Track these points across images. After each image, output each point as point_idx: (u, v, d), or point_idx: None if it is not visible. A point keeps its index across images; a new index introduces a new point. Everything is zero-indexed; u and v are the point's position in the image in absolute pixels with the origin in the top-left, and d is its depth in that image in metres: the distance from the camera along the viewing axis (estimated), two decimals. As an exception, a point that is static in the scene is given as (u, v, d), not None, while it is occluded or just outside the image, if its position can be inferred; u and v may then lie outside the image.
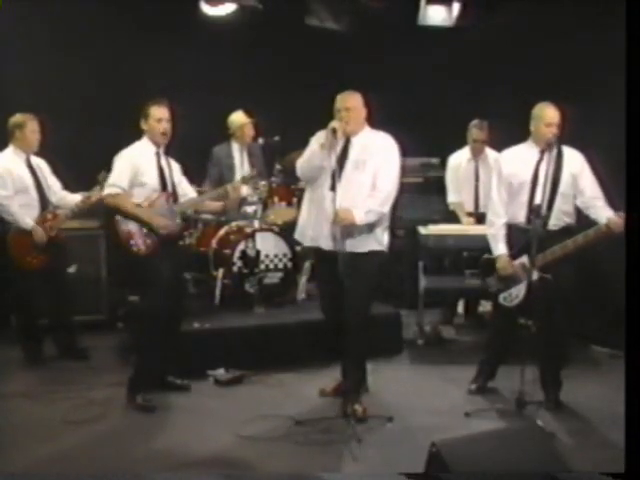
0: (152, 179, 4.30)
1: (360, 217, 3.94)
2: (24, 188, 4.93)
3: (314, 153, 4.06)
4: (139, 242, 4.24)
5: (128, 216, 4.25)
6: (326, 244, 4.05)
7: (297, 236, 4.35)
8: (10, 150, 4.99)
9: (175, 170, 4.48)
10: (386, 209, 4.06)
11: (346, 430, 3.71)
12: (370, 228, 4.03)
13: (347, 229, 3.93)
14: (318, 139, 4.09)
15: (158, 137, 4.29)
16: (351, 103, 4.07)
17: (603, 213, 4.00)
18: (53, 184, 5.14)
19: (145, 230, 4.24)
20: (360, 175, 4.01)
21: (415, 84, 6.75)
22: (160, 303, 4.15)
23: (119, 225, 4.29)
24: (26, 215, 4.89)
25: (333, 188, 3.94)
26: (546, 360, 4.23)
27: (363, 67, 6.54)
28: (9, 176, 4.88)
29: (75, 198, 5.09)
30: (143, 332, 4.34)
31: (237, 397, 4.42)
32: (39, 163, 5.11)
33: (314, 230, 4.12)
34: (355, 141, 4.08)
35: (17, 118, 4.97)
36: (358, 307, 3.99)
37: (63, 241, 5.14)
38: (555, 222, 4.11)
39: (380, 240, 4.12)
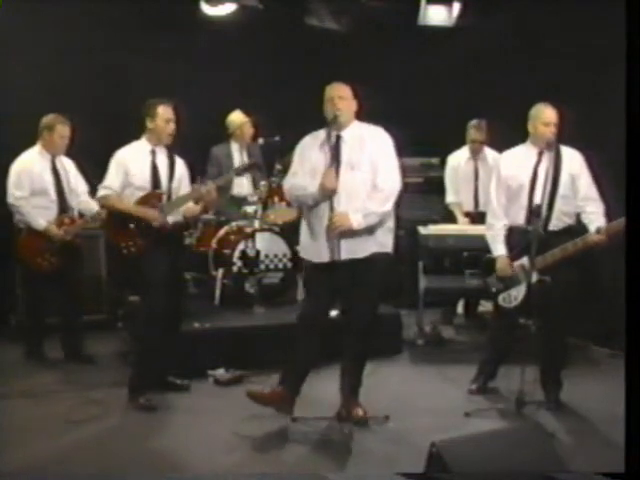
0: (143, 179, 4.28)
1: (358, 222, 3.71)
2: (42, 189, 4.89)
3: (311, 196, 3.81)
4: (129, 243, 4.22)
5: (121, 213, 4.25)
6: (326, 254, 3.78)
7: (303, 254, 4.04)
8: (36, 150, 4.95)
9: (178, 168, 4.44)
10: (388, 208, 3.82)
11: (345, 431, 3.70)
12: (370, 230, 3.80)
13: (346, 235, 3.71)
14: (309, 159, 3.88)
15: (165, 137, 4.30)
16: (342, 92, 3.89)
17: (593, 219, 4.02)
18: (77, 187, 5.05)
19: (136, 232, 4.22)
20: (357, 175, 3.79)
21: (415, 84, 6.75)
22: (157, 303, 4.14)
23: (112, 227, 4.32)
24: (40, 216, 4.85)
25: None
26: (546, 360, 4.23)
27: (363, 67, 6.54)
28: (27, 177, 4.84)
29: (95, 205, 4.92)
30: (142, 332, 4.34)
31: (237, 397, 4.41)
32: (66, 165, 5.06)
33: (316, 243, 3.85)
34: (346, 136, 3.87)
35: (48, 119, 4.91)
36: (362, 314, 3.85)
37: (78, 246, 5.09)
38: (556, 223, 4.11)
39: (382, 242, 3.88)
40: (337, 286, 3.78)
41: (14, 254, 4.99)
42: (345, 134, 3.88)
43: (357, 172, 3.80)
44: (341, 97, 3.87)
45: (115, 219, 4.32)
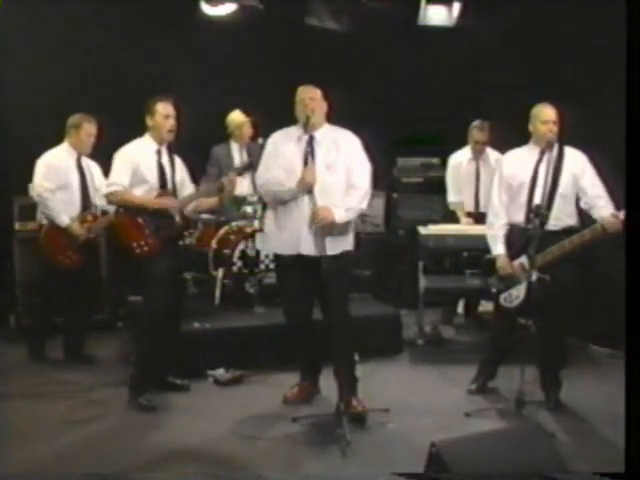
0: (151, 177, 4.26)
1: (340, 215, 3.88)
2: (67, 185, 4.93)
3: (288, 192, 3.95)
4: (142, 242, 4.17)
5: (136, 207, 4.19)
6: (307, 249, 3.92)
7: (273, 248, 4.28)
8: (64, 147, 5.01)
9: (178, 167, 4.45)
10: (365, 205, 4.03)
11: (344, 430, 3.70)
12: (347, 228, 4.02)
13: (326, 230, 3.86)
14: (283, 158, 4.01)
15: (165, 134, 4.29)
16: (313, 94, 4.05)
17: (603, 212, 3.99)
18: (101, 187, 4.96)
19: (147, 231, 4.20)
20: (333, 176, 3.95)
21: (415, 84, 6.75)
22: (162, 303, 4.14)
23: (123, 226, 4.27)
24: (64, 212, 4.87)
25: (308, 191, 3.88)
26: (546, 360, 4.23)
27: (363, 67, 6.54)
28: (55, 170, 4.89)
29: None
30: (144, 332, 4.33)
31: (237, 397, 4.42)
32: (90, 165, 5.11)
33: (290, 237, 3.99)
34: (318, 137, 4.02)
35: (75, 118, 4.98)
36: (342, 308, 4.01)
37: (98, 244, 5.12)
38: (555, 222, 4.10)
39: (351, 240, 4.11)
40: (315, 281, 3.93)
41: (38, 251, 5.01)
42: (317, 135, 4.03)
43: (333, 173, 3.97)
44: (312, 98, 4.05)
45: (127, 218, 4.24)
